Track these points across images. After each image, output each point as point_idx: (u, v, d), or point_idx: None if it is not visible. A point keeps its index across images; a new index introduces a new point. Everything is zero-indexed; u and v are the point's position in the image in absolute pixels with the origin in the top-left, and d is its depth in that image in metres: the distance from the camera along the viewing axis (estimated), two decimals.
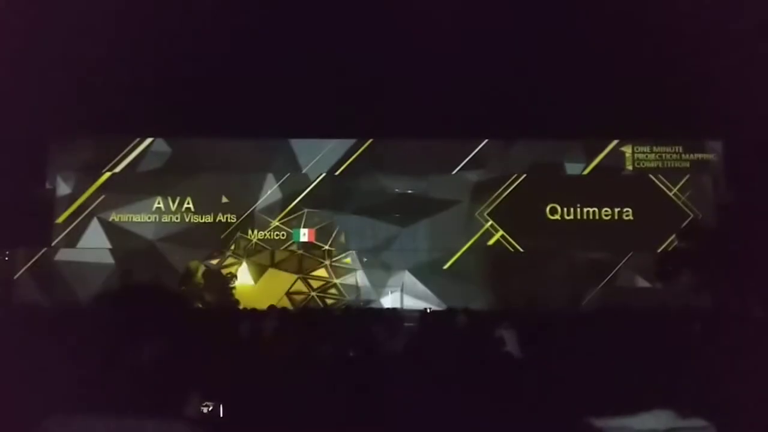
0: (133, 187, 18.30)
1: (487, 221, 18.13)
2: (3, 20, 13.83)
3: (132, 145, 18.68)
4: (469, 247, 17.89)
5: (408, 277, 17.46)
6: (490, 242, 18.04)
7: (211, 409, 2.52)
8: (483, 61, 16.58)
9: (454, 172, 18.41)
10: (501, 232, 18.07)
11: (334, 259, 17.81)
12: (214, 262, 17.23)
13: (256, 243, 18.11)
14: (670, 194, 17.94)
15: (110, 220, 18.19)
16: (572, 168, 18.46)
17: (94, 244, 17.88)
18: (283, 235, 18.20)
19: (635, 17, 15.51)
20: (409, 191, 18.29)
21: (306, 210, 18.26)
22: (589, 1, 15.63)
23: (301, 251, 17.96)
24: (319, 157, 18.66)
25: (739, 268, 12.80)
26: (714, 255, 13.44)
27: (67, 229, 18.08)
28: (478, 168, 18.45)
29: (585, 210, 18.07)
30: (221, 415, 2.63)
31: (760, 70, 14.60)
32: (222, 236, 18.08)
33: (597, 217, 18.05)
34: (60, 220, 18.14)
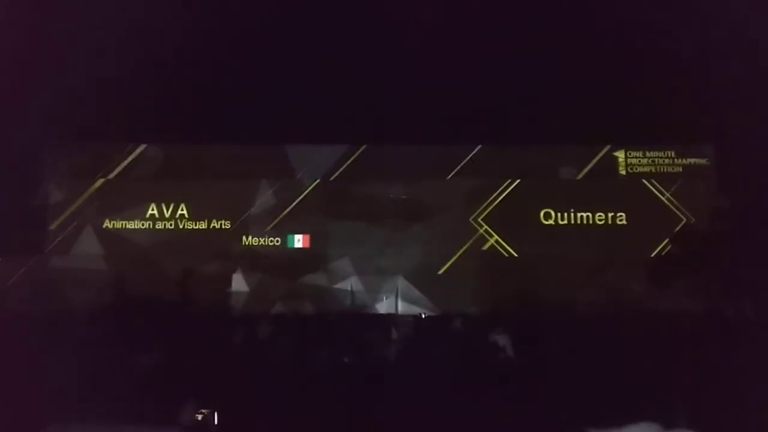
0: (127, 193, 18.23)
1: (481, 226, 18.14)
2: None
3: (125, 151, 18.61)
4: (463, 252, 17.90)
5: (402, 283, 17.46)
6: (484, 247, 18.05)
7: (205, 416, 2.52)
8: (476, 66, 16.59)
9: (448, 177, 18.42)
10: (495, 237, 18.09)
11: (328, 264, 17.78)
12: (209, 268, 17.19)
13: (250, 249, 18.07)
14: (663, 199, 18.01)
15: (104, 226, 18.11)
16: (566, 173, 18.50)
17: (87, 251, 17.81)
18: (277, 241, 18.16)
19: (627, 22, 15.58)
20: (403, 197, 18.29)
21: (300, 216, 18.23)
22: (580, 6, 15.68)
23: (295, 257, 17.94)
24: (313, 162, 18.63)
25: (732, 273, 12.86)
26: (707, 259, 13.50)
27: (60, 236, 17.99)
28: (472, 173, 18.45)
29: (579, 215, 18.11)
30: (216, 422, 2.62)
31: (752, 74, 14.68)
32: (216, 242, 18.04)
33: (591, 221, 18.09)
34: (53, 227, 18.05)
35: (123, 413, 1.76)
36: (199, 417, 2.40)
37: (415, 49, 16.02)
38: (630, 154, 18.54)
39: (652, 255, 16.89)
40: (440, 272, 17.67)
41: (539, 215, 18.13)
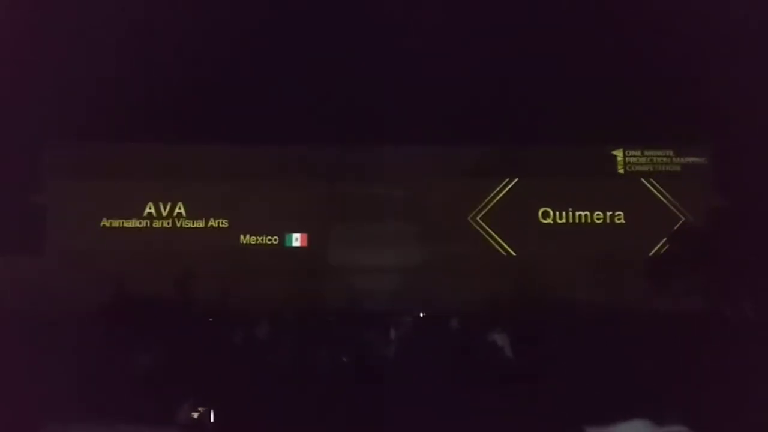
0: (125, 192, 18.20)
1: (480, 225, 18.15)
2: None
3: (125, 150, 18.56)
4: (462, 252, 17.88)
5: (402, 282, 17.45)
6: (483, 246, 18.06)
7: (202, 415, 2.52)
8: (476, 67, 16.61)
9: (447, 177, 18.42)
10: (494, 236, 18.10)
11: (327, 263, 17.78)
12: (206, 267, 17.16)
13: (248, 248, 18.05)
14: (662, 198, 18.03)
15: (101, 225, 18.09)
16: (564, 172, 18.49)
17: (86, 251, 17.75)
18: (275, 239, 18.16)
19: (626, 23, 15.60)
20: (403, 196, 18.29)
21: (299, 215, 18.22)
22: (580, 7, 15.71)
23: (293, 256, 17.93)
24: (313, 161, 18.62)
25: (731, 272, 12.86)
26: (706, 259, 13.52)
27: (59, 235, 17.95)
28: (471, 173, 18.46)
29: (577, 214, 18.13)
30: (212, 421, 2.63)
31: (751, 73, 14.70)
32: (214, 241, 18.01)
33: (589, 221, 18.11)
34: (51, 226, 18.02)
35: (122, 413, 1.76)
36: (195, 415, 2.40)
37: (415, 49, 16.04)
38: (628, 153, 18.56)
39: (651, 254, 16.91)
40: (439, 271, 17.66)
41: (537, 214, 18.16)
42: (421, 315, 14.15)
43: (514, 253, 17.90)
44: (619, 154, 18.57)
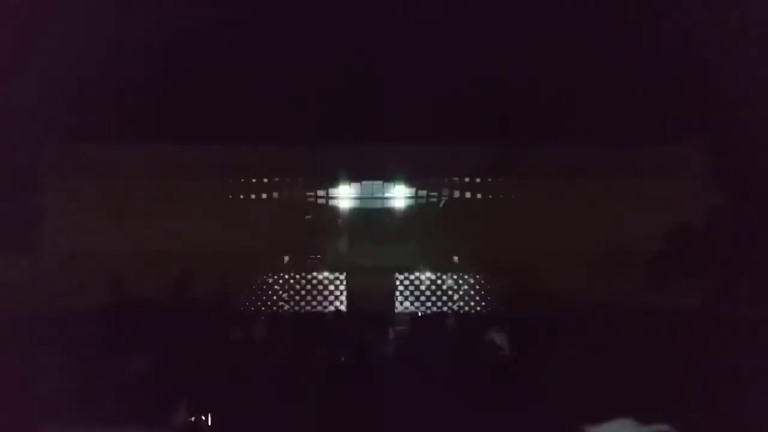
0: (125, 193, 18.19)
1: (481, 224, 18.14)
2: None
3: (125, 151, 18.55)
4: (462, 251, 17.91)
5: (401, 281, 17.47)
6: (484, 245, 18.05)
7: (198, 420, 2.52)
8: (476, 67, 16.62)
9: (447, 176, 18.44)
10: (494, 236, 18.08)
11: (326, 263, 17.79)
12: (207, 268, 17.16)
13: (248, 248, 18.04)
14: (662, 198, 17.99)
15: (100, 227, 18.06)
16: (564, 172, 18.49)
17: (84, 252, 17.74)
18: (275, 239, 18.16)
19: (625, 22, 15.61)
20: (403, 195, 18.33)
21: (299, 215, 18.24)
22: (580, 8, 15.70)
23: (293, 256, 17.94)
24: (313, 161, 18.64)
25: (731, 273, 12.87)
26: (706, 259, 13.52)
27: (57, 237, 17.95)
28: (473, 172, 18.48)
29: (577, 214, 18.10)
30: (209, 424, 2.63)
31: (748, 71, 14.70)
32: (214, 242, 17.99)
33: (590, 220, 18.07)
34: (51, 226, 18.02)
35: (120, 412, 1.76)
36: (192, 419, 2.40)
37: (415, 49, 16.03)
38: (626, 152, 18.52)
39: (651, 254, 16.86)
40: (439, 270, 17.68)
41: (539, 214, 18.13)
42: (420, 314, 14.18)
43: (515, 253, 17.88)
44: (616, 153, 18.55)
